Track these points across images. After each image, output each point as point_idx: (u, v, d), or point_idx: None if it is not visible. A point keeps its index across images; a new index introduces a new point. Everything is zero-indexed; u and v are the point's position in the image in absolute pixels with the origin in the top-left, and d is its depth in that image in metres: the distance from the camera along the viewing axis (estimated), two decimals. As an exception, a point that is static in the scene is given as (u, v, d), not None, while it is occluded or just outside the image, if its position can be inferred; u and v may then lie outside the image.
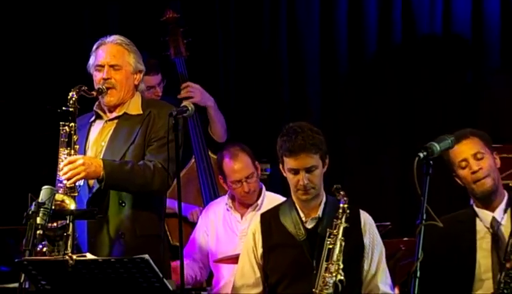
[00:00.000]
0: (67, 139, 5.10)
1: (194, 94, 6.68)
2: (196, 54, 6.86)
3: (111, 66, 5.27)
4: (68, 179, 5.04)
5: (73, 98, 5.12)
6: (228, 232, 6.10)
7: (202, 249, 6.14)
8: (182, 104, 5.11)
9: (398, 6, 7.36)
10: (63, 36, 7.36)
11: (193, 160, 6.64)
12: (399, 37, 7.38)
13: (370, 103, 7.45)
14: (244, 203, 6.09)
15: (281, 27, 7.53)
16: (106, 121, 5.34)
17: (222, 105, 6.94)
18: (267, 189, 6.20)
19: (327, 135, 6.87)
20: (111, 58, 5.27)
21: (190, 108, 5.01)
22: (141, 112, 5.29)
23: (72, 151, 5.10)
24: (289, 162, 5.00)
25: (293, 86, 7.55)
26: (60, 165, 5.07)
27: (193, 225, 6.30)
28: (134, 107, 5.30)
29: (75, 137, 5.11)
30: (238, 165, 5.99)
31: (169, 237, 6.22)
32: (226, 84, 7.56)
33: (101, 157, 5.22)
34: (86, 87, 5.17)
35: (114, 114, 5.31)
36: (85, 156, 5.14)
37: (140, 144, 5.22)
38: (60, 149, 5.12)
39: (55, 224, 4.89)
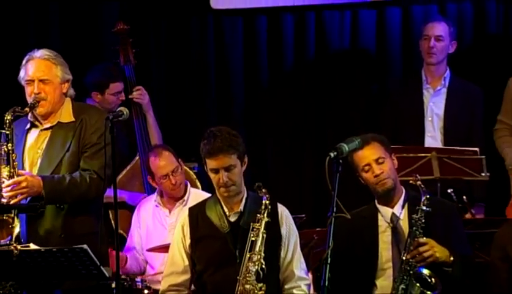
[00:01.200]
0: (5, 158, 4.97)
1: (144, 97, 6.65)
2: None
3: (41, 80, 5.13)
4: (11, 198, 4.91)
5: (9, 120, 4.99)
6: (158, 226, 6.05)
7: (138, 244, 6.09)
8: (118, 109, 5.00)
9: (311, 24, 7.37)
10: (6, 45, 7.18)
11: (137, 157, 6.58)
12: (312, 51, 7.40)
13: (289, 109, 7.46)
14: (172, 198, 6.03)
15: (209, 41, 7.49)
16: (41, 130, 5.19)
17: (155, 110, 6.87)
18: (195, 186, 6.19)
19: (251, 138, 6.92)
20: (40, 73, 5.12)
21: (125, 113, 4.92)
22: (73, 119, 5.15)
23: (12, 169, 4.96)
24: (210, 163, 4.97)
25: (219, 94, 7.52)
26: (4, 183, 4.93)
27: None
28: (66, 115, 5.16)
29: (13, 155, 4.97)
30: (163, 162, 5.95)
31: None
32: (159, 91, 7.49)
33: (38, 163, 5.10)
34: (19, 108, 5.05)
35: (48, 124, 5.17)
36: (28, 177, 4.96)
37: (75, 152, 5.09)
38: (1, 167, 4.97)
39: None
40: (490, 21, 7.18)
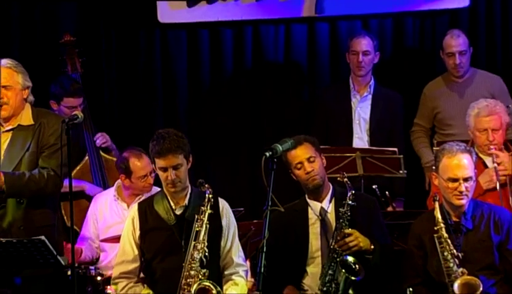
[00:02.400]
0: None
1: (108, 140, 6.54)
2: (84, 73, 6.74)
3: (3, 86, 5.09)
4: None
5: None
6: (115, 218, 6.02)
7: (94, 233, 6.07)
8: (74, 113, 5.02)
9: (249, 37, 7.39)
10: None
11: (86, 158, 6.51)
12: (249, 61, 7.42)
13: (228, 113, 7.47)
14: (134, 194, 6.00)
15: (156, 51, 7.47)
16: (3, 131, 5.16)
17: (107, 114, 6.84)
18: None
19: (194, 139, 6.92)
20: (3, 80, 5.09)
21: (80, 116, 4.92)
22: (33, 122, 5.14)
23: None
24: (159, 162, 4.99)
25: (165, 99, 7.51)
26: None
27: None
28: (26, 118, 5.15)
29: None
30: (143, 162, 5.93)
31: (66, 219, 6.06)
32: (110, 97, 7.46)
33: (0, 161, 5.07)
34: None
35: (10, 127, 5.14)
36: None
37: (34, 152, 5.08)
38: None
39: None
40: (407, 35, 7.29)
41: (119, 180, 6.06)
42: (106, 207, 6.06)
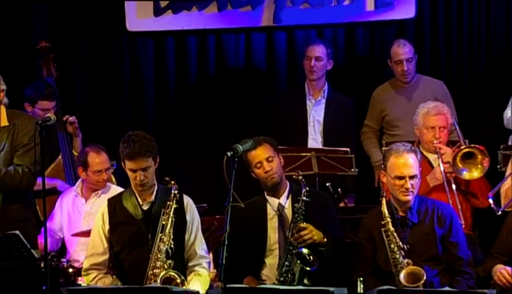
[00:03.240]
0: None
1: (76, 122, 6.52)
2: (58, 78, 6.70)
3: None
4: None
5: None
6: (75, 213, 6.03)
7: (57, 227, 6.05)
8: (46, 115, 4.99)
9: (211, 45, 7.40)
10: None
11: (60, 157, 6.48)
12: (212, 67, 7.43)
13: (193, 115, 7.46)
14: (92, 189, 6.00)
15: (124, 58, 7.46)
16: None
17: (79, 116, 6.81)
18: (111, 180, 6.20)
19: (161, 139, 6.90)
20: None
21: (52, 118, 4.92)
22: (7, 123, 5.11)
23: None
24: (128, 164, 4.99)
25: (134, 102, 7.49)
26: None
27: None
28: (1, 120, 5.11)
29: None
30: (101, 159, 5.93)
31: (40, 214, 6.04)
32: (82, 100, 7.44)
33: None
34: None
35: None
36: None
37: (9, 151, 5.07)
38: None
39: None
40: (358, 43, 7.33)
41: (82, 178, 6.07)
42: (69, 202, 6.06)
